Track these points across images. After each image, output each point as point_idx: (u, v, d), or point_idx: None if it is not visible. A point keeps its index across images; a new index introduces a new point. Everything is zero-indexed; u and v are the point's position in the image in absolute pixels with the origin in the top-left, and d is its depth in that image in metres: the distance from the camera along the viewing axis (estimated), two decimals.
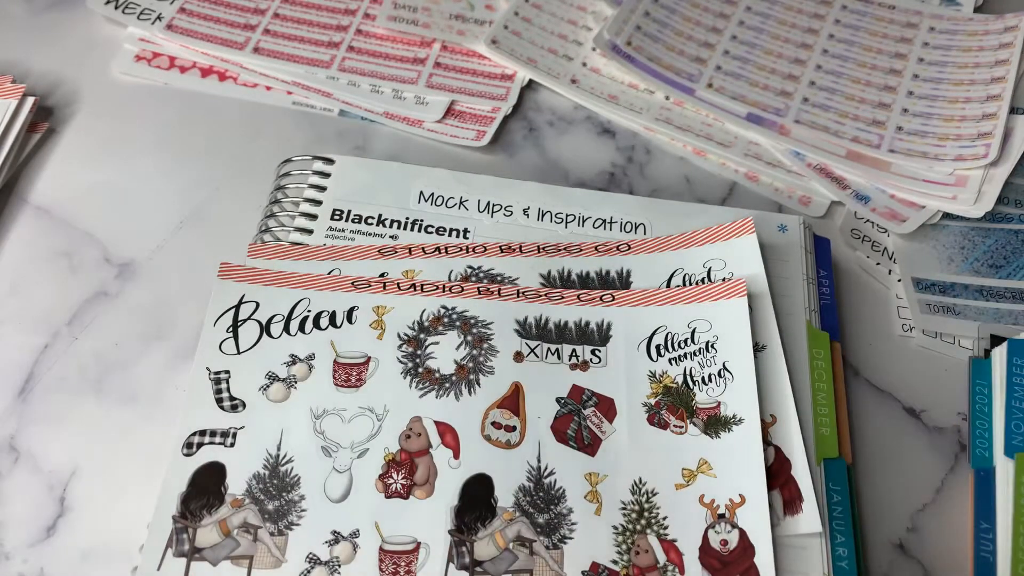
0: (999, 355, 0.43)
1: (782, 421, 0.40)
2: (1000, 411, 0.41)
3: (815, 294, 0.45)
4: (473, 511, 0.37)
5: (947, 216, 0.51)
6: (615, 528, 0.37)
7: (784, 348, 0.41)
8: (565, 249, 0.45)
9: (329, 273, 0.43)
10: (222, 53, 0.55)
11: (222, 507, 0.37)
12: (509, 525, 0.37)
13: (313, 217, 0.46)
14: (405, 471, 0.38)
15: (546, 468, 0.38)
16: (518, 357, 0.41)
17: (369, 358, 0.41)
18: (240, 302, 0.42)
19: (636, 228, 0.47)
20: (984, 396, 0.43)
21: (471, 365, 0.41)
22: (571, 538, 0.37)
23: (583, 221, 0.47)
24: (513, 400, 0.40)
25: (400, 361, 0.41)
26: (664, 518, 0.37)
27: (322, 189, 0.47)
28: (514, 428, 0.39)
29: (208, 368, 0.40)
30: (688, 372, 0.41)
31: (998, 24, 0.59)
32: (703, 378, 0.40)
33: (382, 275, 0.43)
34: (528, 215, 0.47)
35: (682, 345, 0.41)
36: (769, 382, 0.40)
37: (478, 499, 0.38)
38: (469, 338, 0.42)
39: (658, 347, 0.42)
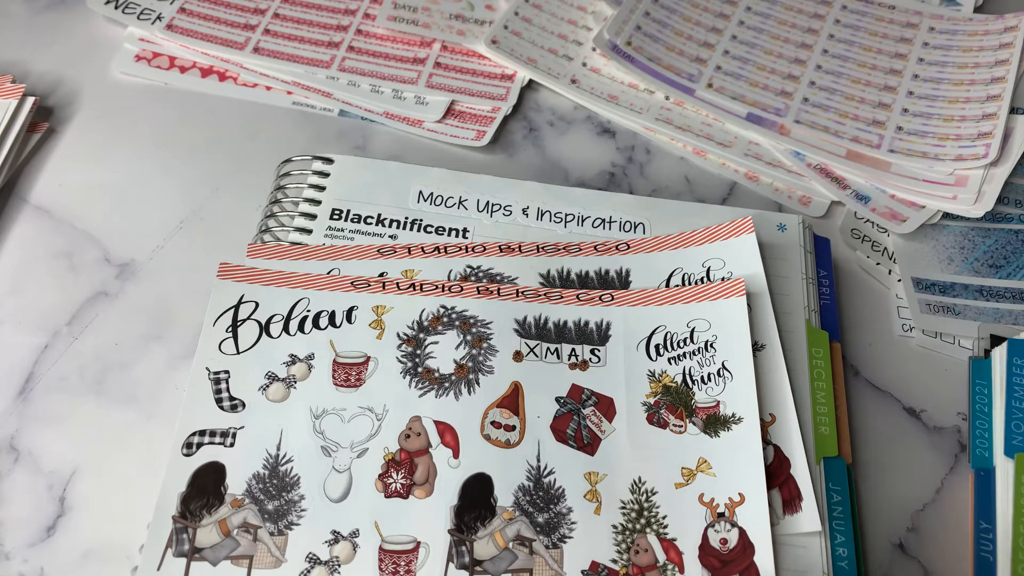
0: (999, 355, 0.43)
1: (781, 420, 0.40)
2: (1000, 411, 0.41)
3: (815, 294, 0.45)
4: (473, 510, 0.37)
5: (947, 216, 0.51)
6: (615, 527, 0.37)
7: (783, 347, 0.41)
8: (564, 248, 0.45)
9: (328, 273, 0.43)
10: (222, 53, 0.55)
11: (222, 507, 0.37)
12: (509, 524, 0.37)
13: (312, 217, 0.46)
14: (405, 471, 0.38)
15: (545, 467, 0.38)
16: (517, 357, 0.41)
17: (368, 358, 0.41)
18: (239, 302, 0.42)
19: (635, 228, 0.47)
20: (984, 396, 0.43)
21: (470, 365, 0.41)
22: (571, 537, 0.37)
23: (582, 221, 0.47)
24: (512, 399, 0.40)
25: (399, 361, 0.41)
26: (664, 517, 0.37)
27: (321, 189, 0.47)
28: (513, 427, 0.39)
29: (208, 368, 0.40)
30: (687, 371, 0.41)
31: (998, 24, 0.59)
32: (702, 377, 0.40)
33: (381, 275, 0.44)
34: (527, 215, 0.47)
35: (681, 344, 0.41)
36: (768, 381, 0.40)
37: (478, 498, 0.38)
38: (468, 338, 0.42)
39: (657, 346, 0.42)
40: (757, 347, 0.41)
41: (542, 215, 0.47)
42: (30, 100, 0.50)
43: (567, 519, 0.37)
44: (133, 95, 0.54)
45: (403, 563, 0.36)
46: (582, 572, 0.36)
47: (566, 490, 0.38)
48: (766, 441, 0.39)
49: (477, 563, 0.36)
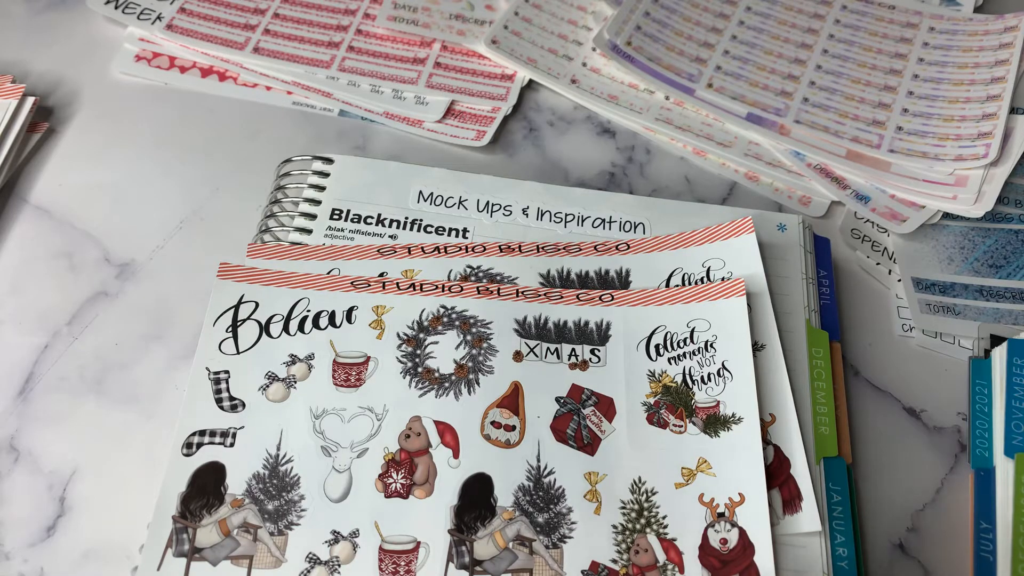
0: (999, 355, 0.43)
1: (781, 420, 0.40)
2: (1000, 411, 0.41)
3: (815, 293, 0.45)
4: (473, 510, 0.37)
5: (947, 216, 0.51)
6: (615, 527, 0.37)
7: (783, 347, 0.41)
8: (564, 248, 0.45)
9: (328, 273, 0.43)
10: (222, 53, 0.55)
11: (222, 507, 0.37)
12: (509, 524, 0.37)
13: (312, 217, 0.46)
14: (405, 471, 0.38)
15: (545, 467, 0.38)
16: (517, 357, 0.41)
17: (368, 358, 0.41)
18: (239, 302, 0.42)
19: (635, 228, 0.47)
20: (984, 396, 0.43)
21: (470, 364, 0.41)
22: (571, 537, 0.37)
23: (582, 221, 0.47)
24: (512, 399, 0.40)
25: (399, 361, 0.41)
26: (664, 517, 0.37)
27: (321, 189, 0.47)
28: (513, 427, 0.39)
29: (208, 368, 0.40)
30: (687, 371, 0.41)
31: (998, 24, 0.59)
32: (702, 377, 0.40)
33: (381, 275, 0.44)
34: (527, 215, 0.47)
35: (681, 344, 0.41)
36: (768, 381, 0.40)
37: (478, 498, 0.38)
38: (468, 338, 0.42)
39: (657, 346, 0.42)
40: (757, 347, 0.41)
41: (542, 215, 0.47)
42: (30, 100, 0.50)
43: (567, 519, 0.37)
44: (133, 95, 0.54)
45: (403, 563, 0.36)
46: (582, 572, 0.36)
47: (566, 490, 0.38)
48: (766, 441, 0.39)
49: (477, 563, 0.36)
